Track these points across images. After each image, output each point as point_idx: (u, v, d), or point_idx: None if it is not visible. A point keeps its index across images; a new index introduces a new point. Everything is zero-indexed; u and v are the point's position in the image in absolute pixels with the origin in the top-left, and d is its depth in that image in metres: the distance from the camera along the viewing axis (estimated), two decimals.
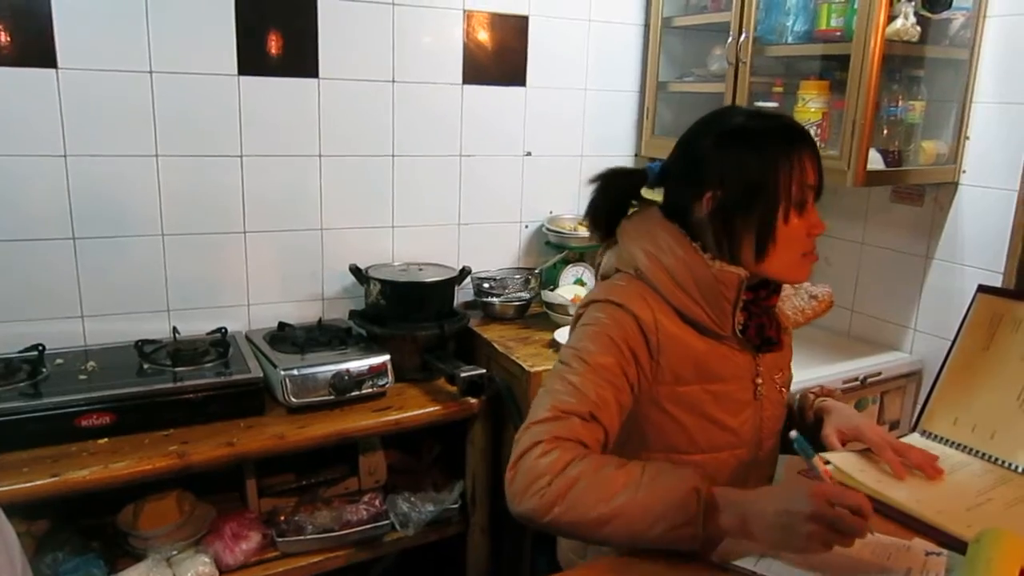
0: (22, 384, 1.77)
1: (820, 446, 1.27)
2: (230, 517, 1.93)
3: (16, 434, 1.67)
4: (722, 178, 1.17)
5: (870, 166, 1.93)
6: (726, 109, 1.37)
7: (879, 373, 2.12)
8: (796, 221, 1.17)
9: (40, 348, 1.89)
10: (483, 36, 2.34)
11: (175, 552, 1.82)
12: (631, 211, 1.32)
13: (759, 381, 1.26)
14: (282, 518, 1.97)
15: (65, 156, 1.93)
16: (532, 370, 1.97)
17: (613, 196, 1.30)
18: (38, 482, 1.57)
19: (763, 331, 1.24)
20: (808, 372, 1.91)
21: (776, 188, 1.15)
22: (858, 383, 2.07)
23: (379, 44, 2.21)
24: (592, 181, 1.31)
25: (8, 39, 1.84)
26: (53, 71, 1.88)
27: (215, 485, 1.99)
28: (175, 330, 2.07)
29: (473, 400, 1.99)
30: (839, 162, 1.92)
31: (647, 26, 2.55)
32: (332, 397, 1.92)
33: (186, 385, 1.83)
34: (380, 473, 2.12)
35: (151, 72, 1.97)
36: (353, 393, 1.94)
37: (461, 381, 1.94)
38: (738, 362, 1.24)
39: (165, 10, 1.95)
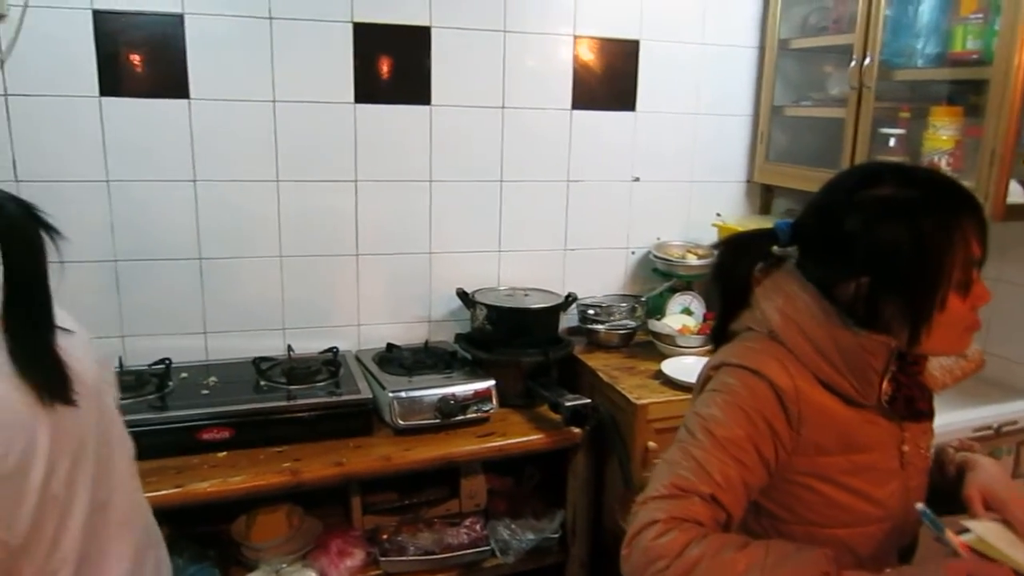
0: (151, 396, 1.87)
1: (961, 505, 1.17)
2: (336, 533, 1.97)
3: (144, 444, 1.75)
4: (871, 264, 1.04)
5: (1010, 199, 1.80)
6: (871, 171, 1.15)
7: (1015, 422, 1.96)
8: (958, 303, 1.04)
9: (167, 362, 2.00)
10: (592, 61, 2.33)
11: (284, 565, 1.88)
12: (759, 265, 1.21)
13: (905, 448, 1.15)
14: (384, 536, 2.00)
15: (195, 181, 2.04)
16: (638, 402, 1.93)
17: (739, 262, 1.19)
18: (164, 492, 1.65)
19: (913, 404, 1.13)
20: (936, 419, 1.79)
21: (937, 274, 1.02)
22: (992, 431, 1.92)
23: (489, 71, 2.24)
24: (714, 247, 1.23)
25: (147, 73, 1.97)
26: (186, 102, 2.00)
27: (320, 498, 2.05)
28: (290, 348, 2.15)
29: (576, 430, 1.97)
30: (975, 194, 1.80)
31: (762, 48, 2.48)
32: (437, 420, 1.94)
33: (300, 404, 1.90)
34: (480, 497, 2.12)
35: (274, 102, 2.06)
36: (458, 417, 1.96)
37: (565, 410, 1.93)
38: (883, 429, 1.13)
39: (289, 43, 2.04)
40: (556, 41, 2.29)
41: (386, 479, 2.04)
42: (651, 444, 1.93)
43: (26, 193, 1.01)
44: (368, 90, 2.13)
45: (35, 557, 0.98)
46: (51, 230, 0.97)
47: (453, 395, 1.96)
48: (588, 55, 2.33)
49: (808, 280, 1.11)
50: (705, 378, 1.15)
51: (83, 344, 1.09)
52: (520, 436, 1.97)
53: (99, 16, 1.90)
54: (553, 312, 2.20)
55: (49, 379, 0.98)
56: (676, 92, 2.44)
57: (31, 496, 0.95)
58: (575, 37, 2.30)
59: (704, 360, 2.09)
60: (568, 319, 2.35)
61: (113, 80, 1.94)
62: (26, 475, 0.95)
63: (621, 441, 1.95)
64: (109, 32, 1.92)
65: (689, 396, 1.96)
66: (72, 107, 1.92)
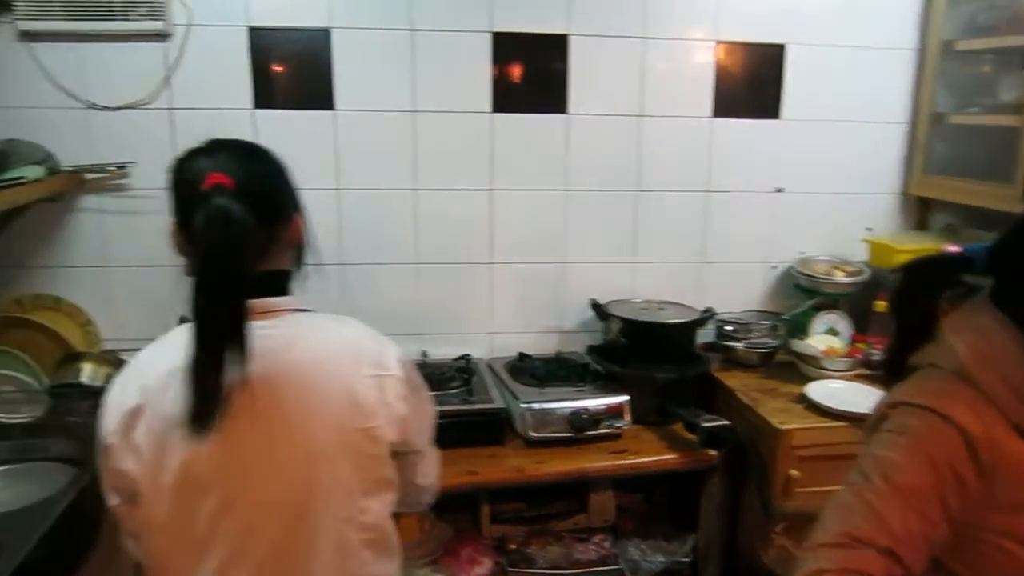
0: None
1: None
2: (466, 541, 1.99)
3: None
4: None
5: None
6: None
7: None
8: None
9: None
10: (735, 67, 2.24)
11: (414, 569, 1.91)
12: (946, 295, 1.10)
13: None
14: (513, 546, 2.00)
15: (338, 190, 2.11)
16: (782, 427, 1.83)
17: (924, 290, 1.10)
18: None
19: None
20: None
21: None
22: None
23: (628, 78, 2.19)
24: (895, 271, 1.14)
25: (296, 85, 2.05)
26: (331, 113, 2.07)
27: (446, 504, 2.06)
28: (424, 353, 2.19)
29: (713, 452, 1.90)
30: None
31: (922, 50, 2.31)
32: (570, 434, 1.92)
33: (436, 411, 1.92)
34: (609, 513, 2.08)
35: (414, 112, 2.10)
36: (590, 432, 1.93)
37: (702, 431, 1.86)
38: None
39: (429, 55, 2.07)
40: (697, 47, 2.21)
41: (514, 488, 2.03)
42: (794, 472, 1.83)
43: None
44: (506, 99, 2.14)
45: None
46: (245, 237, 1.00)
47: (586, 409, 1.93)
48: (730, 61, 2.24)
49: (1006, 314, 1.00)
50: (880, 416, 1.04)
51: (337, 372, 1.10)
52: (653, 455, 1.91)
53: (254, 32, 1.99)
54: (690, 328, 2.14)
55: (198, 407, 0.99)
56: (824, 98, 2.31)
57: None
58: (717, 43, 2.21)
59: (852, 385, 2.02)
60: (703, 334, 2.27)
61: (265, 93, 2.03)
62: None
63: (761, 467, 1.87)
64: (263, 47, 2.01)
65: (837, 424, 1.88)
66: (228, 119, 2.02)
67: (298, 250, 1.22)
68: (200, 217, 0.99)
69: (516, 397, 1.95)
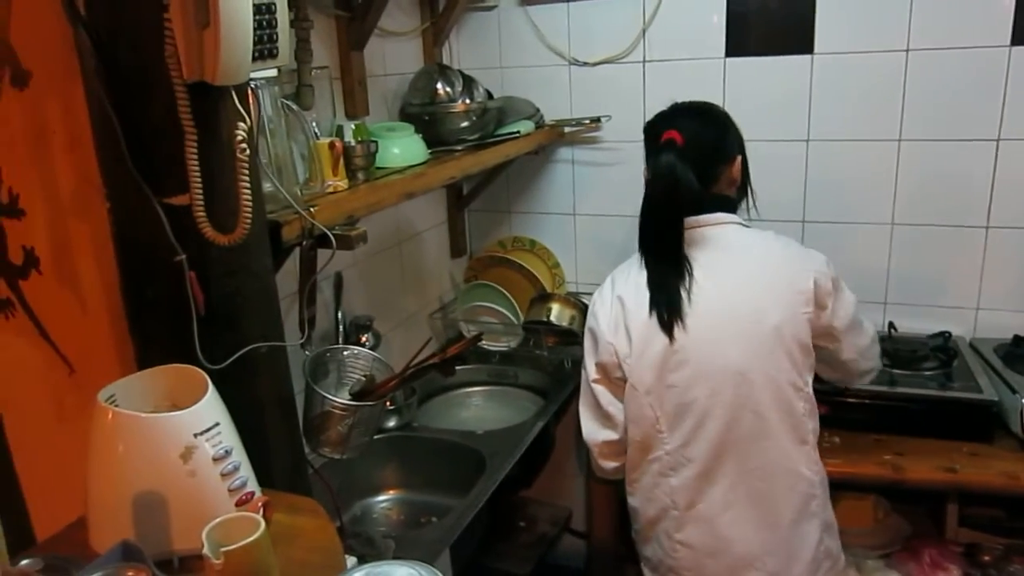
0: None
1: None
2: (927, 541, 1.77)
3: None
4: None
5: None
6: None
7: None
8: None
9: None
10: None
11: (866, 559, 1.76)
12: None
13: None
14: (987, 559, 1.73)
15: (807, 141, 1.96)
16: None
17: None
18: None
19: None
20: None
21: None
22: None
23: None
24: None
25: (772, 31, 1.93)
26: (809, 57, 1.91)
27: (905, 494, 1.84)
28: (891, 326, 1.95)
29: None
30: None
31: None
32: None
33: (904, 392, 1.72)
34: None
35: (907, 51, 1.83)
36: None
37: None
38: None
39: None
40: None
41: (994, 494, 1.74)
42: None
43: None
44: None
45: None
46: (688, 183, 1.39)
47: None
48: None
49: None
50: None
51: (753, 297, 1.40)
52: None
53: None
54: None
55: (663, 307, 1.41)
56: None
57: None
58: None
59: None
60: None
61: (739, 39, 1.95)
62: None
63: None
64: None
65: None
66: (699, 69, 1.99)
67: (741, 184, 1.56)
68: (652, 166, 1.45)
69: (1014, 390, 1.64)
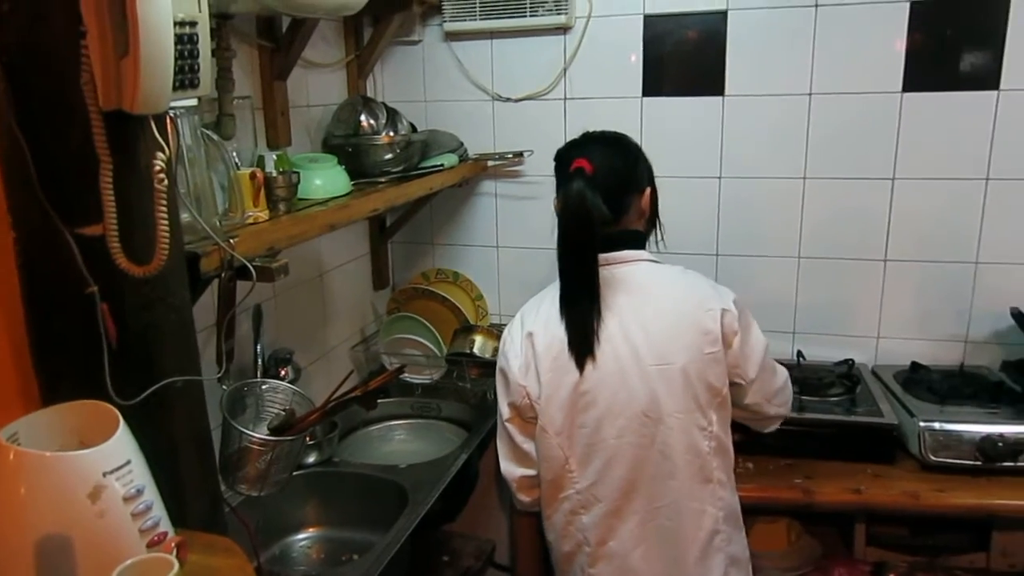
0: None
1: None
2: (838, 560, 1.83)
3: None
4: None
5: None
6: None
7: None
8: None
9: None
10: None
11: None
12: None
13: None
14: None
15: (720, 178, 2.06)
16: None
17: None
18: None
19: None
20: None
21: None
22: None
23: None
24: None
25: (685, 72, 2.02)
26: (720, 99, 2.01)
27: (814, 516, 1.91)
28: (799, 354, 2.05)
29: None
30: None
31: None
32: (978, 463, 1.67)
33: (812, 418, 1.79)
34: (1019, 557, 1.77)
35: (810, 95, 1.95)
36: (1005, 463, 1.65)
37: None
38: None
39: (833, 31, 1.91)
40: None
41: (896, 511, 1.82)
42: None
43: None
44: (919, 77, 1.88)
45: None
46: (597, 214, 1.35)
47: (1001, 435, 1.66)
48: None
49: None
50: None
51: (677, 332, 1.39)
52: None
53: (649, 20, 2.00)
54: None
55: (577, 344, 1.39)
56: None
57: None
58: None
59: None
60: None
61: (654, 80, 2.04)
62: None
63: None
64: (656, 35, 2.01)
65: None
66: (618, 107, 2.07)
67: (650, 216, 1.55)
68: (562, 194, 1.40)
69: (912, 413, 1.74)
